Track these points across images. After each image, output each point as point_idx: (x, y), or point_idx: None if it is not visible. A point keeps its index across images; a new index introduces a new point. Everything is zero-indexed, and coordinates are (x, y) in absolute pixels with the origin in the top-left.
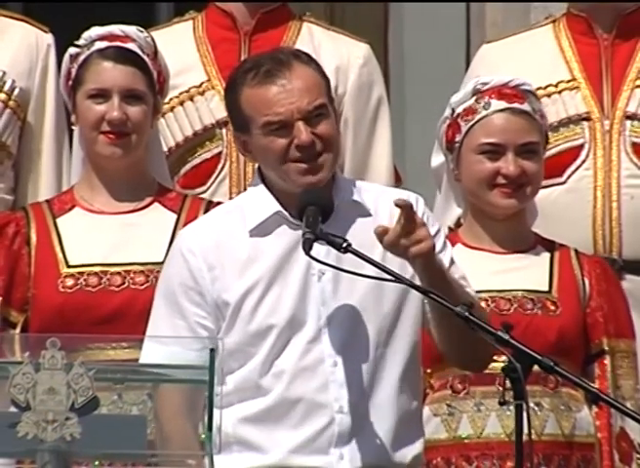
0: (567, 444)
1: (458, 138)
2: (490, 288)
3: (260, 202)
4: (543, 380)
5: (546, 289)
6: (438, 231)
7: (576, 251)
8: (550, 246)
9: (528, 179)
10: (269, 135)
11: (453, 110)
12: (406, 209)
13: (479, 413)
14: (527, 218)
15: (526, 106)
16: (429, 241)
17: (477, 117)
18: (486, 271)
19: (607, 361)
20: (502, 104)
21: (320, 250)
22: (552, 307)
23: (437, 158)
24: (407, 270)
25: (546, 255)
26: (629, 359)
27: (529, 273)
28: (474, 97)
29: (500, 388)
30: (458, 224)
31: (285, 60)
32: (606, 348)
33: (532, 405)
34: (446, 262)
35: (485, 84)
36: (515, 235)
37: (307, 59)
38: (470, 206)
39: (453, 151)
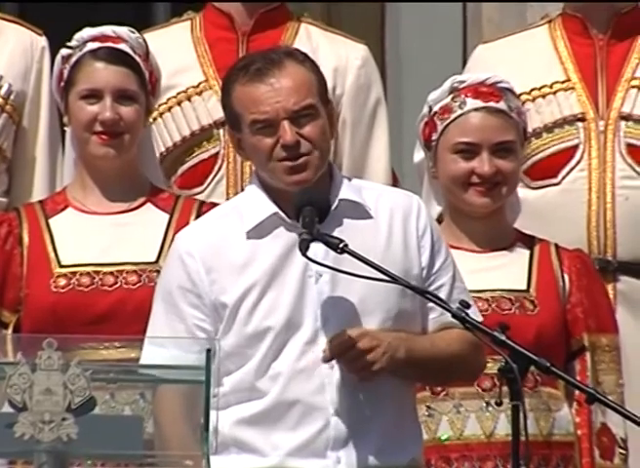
0: (546, 443)
1: (434, 137)
2: (468, 288)
3: (257, 203)
4: (522, 381)
5: (524, 287)
6: (438, 242)
7: (556, 245)
8: (530, 242)
9: (503, 178)
10: (257, 133)
11: (430, 108)
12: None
13: (458, 415)
14: (507, 215)
15: (502, 105)
16: (381, 360)
17: (453, 116)
18: (464, 271)
19: (587, 357)
20: (478, 103)
21: (318, 251)
22: (530, 306)
23: (419, 154)
24: (409, 273)
25: (526, 253)
26: (612, 353)
27: (507, 272)
28: (451, 96)
29: (479, 389)
30: (439, 221)
31: (276, 59)
32: (586, 344)
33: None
34: (448, 281)
35: (462, 82)
36: (494, 233)
37: (302, 59)
38: (448, 204)
39: (430, 149)
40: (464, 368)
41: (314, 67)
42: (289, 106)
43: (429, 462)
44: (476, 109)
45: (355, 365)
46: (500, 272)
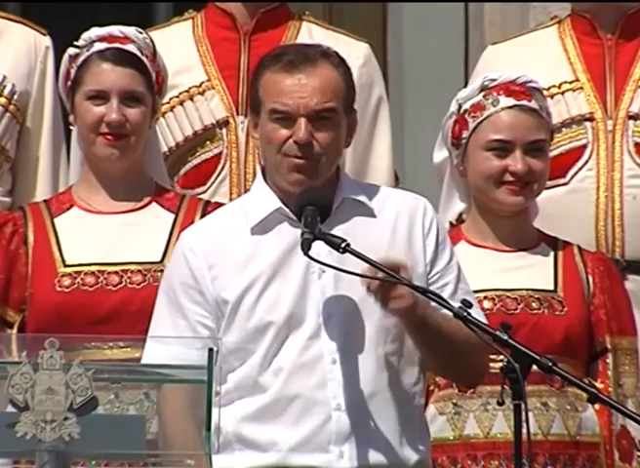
0: (573, 443)
1: (465, 135)
2: (496, 286)
3: (262, 199)
4: (550, 380)
5: (552, 287)
6: (443, 243)
7: (579, 247)
8: (554, 243)
9: (534, 177)
10: (274, 122)
11: (460, 106)
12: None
13: (486, 413)
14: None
15: (534, 104)
16: (407, 299)
17: (485, 114)
18: (491, 269)
19: (609, 359)
20: (511, 101)
21: (322, 248)
22: (558, 307)
23: (440, 153)
24: (413, 272)
25: (550, 253)
26: (631, 356)
27: (534, 271)
28: (482, 94)
29: (507, 388)
30: (459, 220)
31: (311, 56)
32: (609, 346)
33: (538, 405)
34: (452, 280)
35: (493, 80)
36: (520, 232)
37: (337, 63)
38: (475, 202)
39: (459, 147)
40: (469, 357)
41: (347, 74)
42: (310, 104)
43: (456, 460)
44: (510, 107)
45: (385, 293)
46: (527, 272)
